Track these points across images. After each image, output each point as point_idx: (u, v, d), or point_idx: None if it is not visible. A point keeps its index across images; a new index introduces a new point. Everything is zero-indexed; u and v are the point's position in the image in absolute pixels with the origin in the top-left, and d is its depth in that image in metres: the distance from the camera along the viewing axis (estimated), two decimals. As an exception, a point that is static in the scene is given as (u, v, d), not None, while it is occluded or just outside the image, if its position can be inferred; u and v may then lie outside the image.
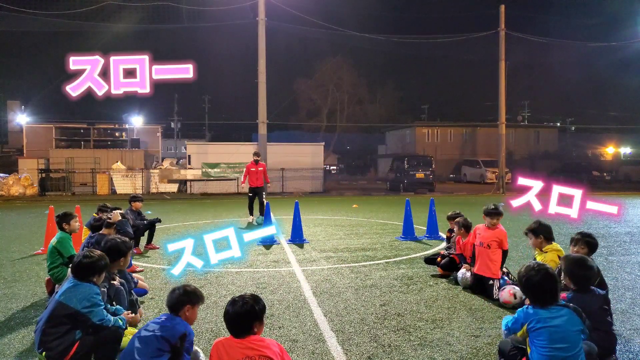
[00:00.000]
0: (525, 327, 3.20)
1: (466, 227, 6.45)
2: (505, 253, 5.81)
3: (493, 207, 5.91)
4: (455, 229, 6.69)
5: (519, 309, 3.34)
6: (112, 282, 4.27)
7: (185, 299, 3.34)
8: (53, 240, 5.74)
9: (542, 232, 5.05)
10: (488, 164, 35.69)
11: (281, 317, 4.92)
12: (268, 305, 5.24)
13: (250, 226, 12.06)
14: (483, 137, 43.88)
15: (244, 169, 12.84)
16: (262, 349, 2.75)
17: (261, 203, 12.48)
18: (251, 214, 12.59)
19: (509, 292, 5.21)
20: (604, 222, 12.80)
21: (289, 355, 3.92)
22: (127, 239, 4.67)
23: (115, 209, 7.44)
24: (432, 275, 6.66)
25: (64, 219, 5.82)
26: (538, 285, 3.18)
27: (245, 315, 2.80)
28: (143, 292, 5.59)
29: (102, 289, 3.98)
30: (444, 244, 7.44)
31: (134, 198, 8.75)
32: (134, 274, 5.62)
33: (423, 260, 7.11)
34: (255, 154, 12.73)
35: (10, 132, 42.46)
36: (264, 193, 12.77)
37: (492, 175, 32.58)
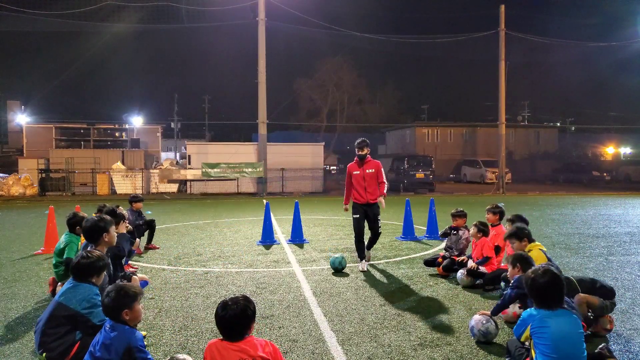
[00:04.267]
0: (528, 330, 3.19)
1: (484, 232, 6.35)
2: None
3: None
4: (472, 231, 6.42)
5: (524, 311, 3.36)
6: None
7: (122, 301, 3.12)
8: (62, 240, 5.70)
9: (522, 235, 4.97)
10: (488, 164, 35.69)
11: (281, 317, 4.91)
12: (268, 306, 5.26)
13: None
14: (483, 137, 43.89)
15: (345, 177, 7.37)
16: (255, 351, 2.74)
17: (374, 234, 7.26)
18: (362, 256, 7.13)
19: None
20: (604, 222, 12.80)
21: (288, 355, 3.92)
22: (105, 217, 4.69)
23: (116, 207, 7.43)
24: (432, 275, 6.66)
25: (79, 222, 5.79)
26: (544, 287, 3.17)
27: (242, 318, 2.78)
28: (144, 283, 5.56)
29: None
30: (443, 244, 7.42)
31: (134, 198, 8.77)
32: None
33: (423, 263, 7.10)
34: (360, 145, 7.09)
35: (10, 132, 42.51)
36: (379, 217, 7.16)
37: (492, 175, 32.58)
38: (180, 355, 3.52)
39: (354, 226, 7.16)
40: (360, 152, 7.09)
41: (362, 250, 7.16)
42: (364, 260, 7.10)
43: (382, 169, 7.24)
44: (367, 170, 7.07)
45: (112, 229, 4.56)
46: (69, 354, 3.43)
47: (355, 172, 7.14)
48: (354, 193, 7.14)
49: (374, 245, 7.60)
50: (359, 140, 7.16)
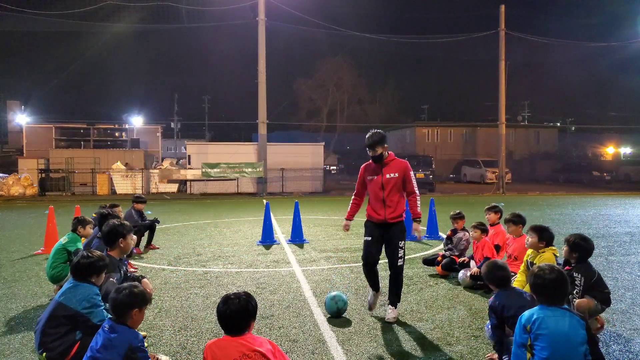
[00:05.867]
0: (529, 336, 3.15)
1: (486, 231, 6.32)
2: None
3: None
4: (474, 234, 6.35)
5: (521, 315, 3.24)
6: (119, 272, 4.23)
7: (132, 301, 3.10)
8: (63, 240, 5.68)
9: (547, 238, 5.02)
10: (488, 164, 35.69)
11: (281, 317, 4.91)
12: (268, 306, 5.26)
13: None
14: (483, 137, 43.92)
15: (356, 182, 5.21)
16: (255, 346, 2.76)
17: (394, 269, 4.84)
18: (375, 288, 4.96)
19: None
20: (604, 222, 12.80)
21: (288, 355, 3.92)
22: (126, 222, 4.59)
23: (114, 205, 7.43)
24: (432, 275, 6.66)
25: (81, 223, 5.79)
26: (551, 282, 3.15)
27: (243, 312, 2.81)
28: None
29: (113, 280, 3.98)
30: (442, 245, 7.41)
31: (137, 199, 8.79)
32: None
33: (422, 262, 7.10)
34: (370, 142, 4.84)
35: (10, 132, 42.48)
36: (400, 244, 4.81)
37: (492, 175, 32.58)
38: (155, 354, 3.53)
39: (363, 251, 4.94)
40: (373, 154, 4.87)
41: (374, 276, 4.94)
42: (376, 293, 4.98)
43: (412, 173, 4.97)
44: (388, 175, 4.84)
45: (130, 236, 4.51)
46: (69, 354, 3.43)
47: (370, 178, 4.95)
48: (368, 207, 4.99)
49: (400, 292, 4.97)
50: (368, 135, 4.90)
